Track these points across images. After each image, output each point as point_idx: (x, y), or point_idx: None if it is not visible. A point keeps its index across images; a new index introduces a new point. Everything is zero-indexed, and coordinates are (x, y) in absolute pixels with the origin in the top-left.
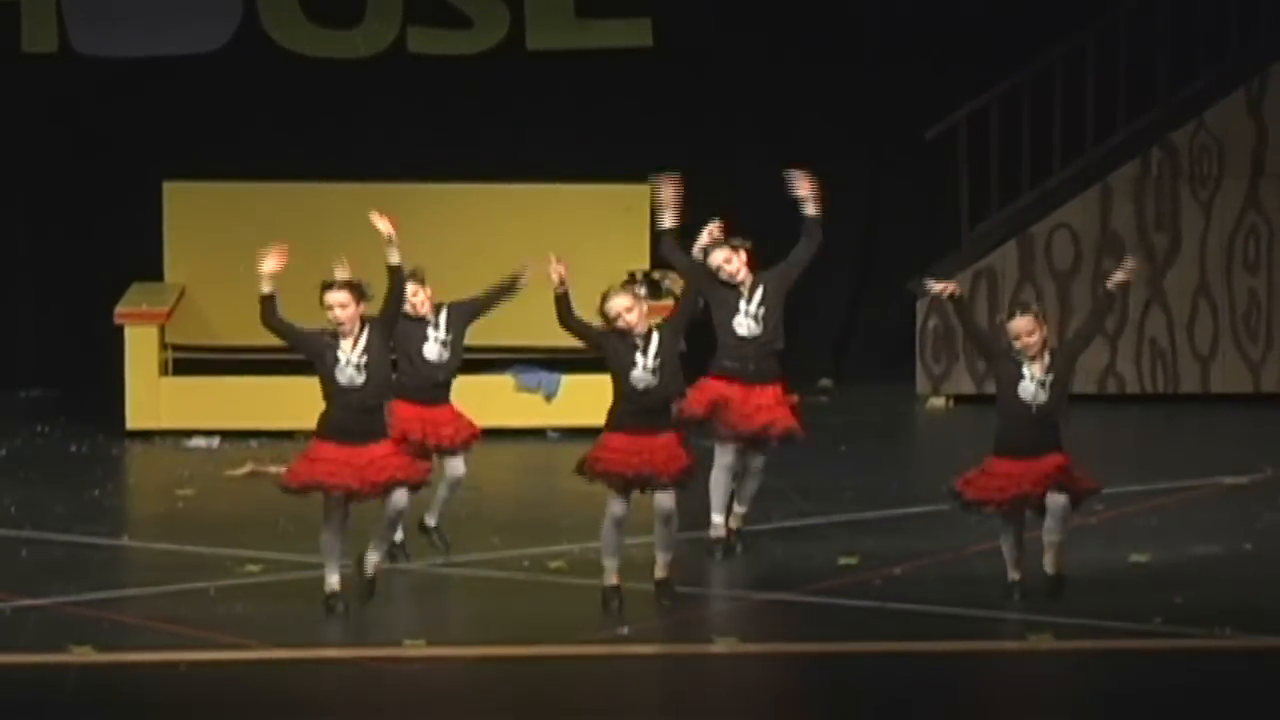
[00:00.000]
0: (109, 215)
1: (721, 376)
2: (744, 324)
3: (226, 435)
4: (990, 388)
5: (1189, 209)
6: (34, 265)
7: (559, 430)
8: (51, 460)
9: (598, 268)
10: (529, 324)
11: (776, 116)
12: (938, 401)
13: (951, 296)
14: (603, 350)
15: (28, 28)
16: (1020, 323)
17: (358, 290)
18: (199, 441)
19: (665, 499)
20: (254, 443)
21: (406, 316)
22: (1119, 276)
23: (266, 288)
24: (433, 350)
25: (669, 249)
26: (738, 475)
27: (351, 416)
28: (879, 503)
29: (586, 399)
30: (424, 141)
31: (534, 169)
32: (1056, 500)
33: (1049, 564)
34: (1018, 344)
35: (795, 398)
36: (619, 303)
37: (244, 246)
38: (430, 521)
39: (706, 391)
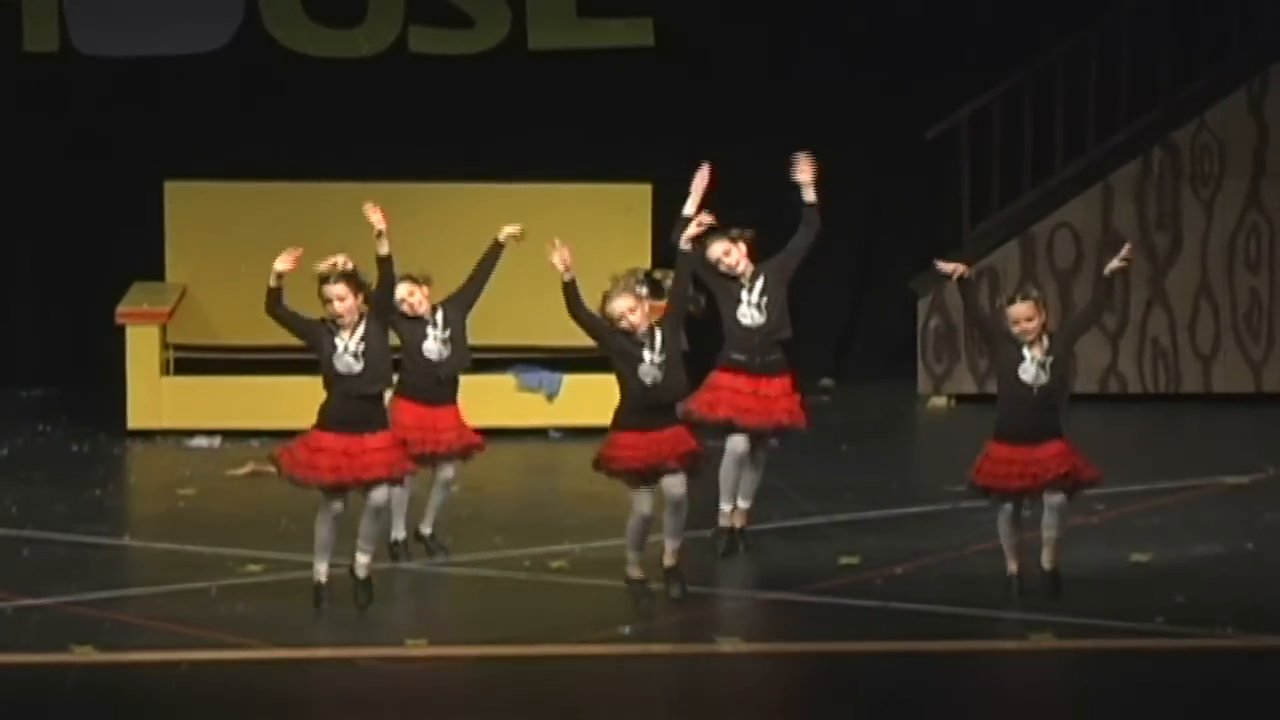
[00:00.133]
0: (110, 215)
1: (730, 369)
2: (748, 314)
3: (228, 435)
4: (992, 387)
5: (1190, 208)
6: (35, 265)
7: (561, 430)
8: (53, 460)
9: (599, 268)
10: (530, 324)
11: (777, 116)
12: (939, 401)
13: (961, 278)
14: (609, 346)
15: (29, 27)
16: (1021, 308)
17: (355, 282)
18: (200, 441)
19: (676, 485)
20: (255, 442)
21: (405, 317)
22: (1115, 263)
23: (274, 282)
24: (433, 348)
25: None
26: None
27: (350, 405)
28: (880, 502)
29: (588, 399)
30: (424, 141)
31: (534, 169)
32: (1055, 497)
33: (1046, 560)
34: (1017, 329)
35: (800, 396)
36: (621, 304)
37: (245, 246)
38: (426, 530)
39: (720, 392)
